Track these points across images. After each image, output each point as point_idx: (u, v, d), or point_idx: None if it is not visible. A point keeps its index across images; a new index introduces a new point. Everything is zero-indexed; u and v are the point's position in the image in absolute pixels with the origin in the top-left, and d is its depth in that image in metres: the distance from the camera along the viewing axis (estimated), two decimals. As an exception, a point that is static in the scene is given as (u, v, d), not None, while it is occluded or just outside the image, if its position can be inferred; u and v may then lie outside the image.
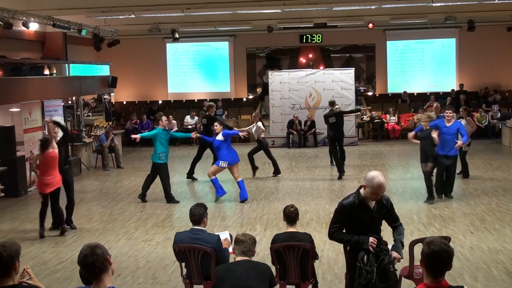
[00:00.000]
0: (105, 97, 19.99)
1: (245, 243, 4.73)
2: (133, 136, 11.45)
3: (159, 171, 11.02)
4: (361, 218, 4.88)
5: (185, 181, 13.43)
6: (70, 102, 17.04)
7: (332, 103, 13.67)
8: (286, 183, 12.84)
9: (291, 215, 5.76)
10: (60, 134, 9.74)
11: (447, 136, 10.27)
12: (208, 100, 21.73)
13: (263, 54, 25.61)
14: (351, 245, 5.04)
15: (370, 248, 4.82)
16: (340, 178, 12.91)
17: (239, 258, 4.71)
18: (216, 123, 11.27)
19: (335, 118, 13.15)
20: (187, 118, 20.81)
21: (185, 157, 17.13)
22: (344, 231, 5.03)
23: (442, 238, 3.46)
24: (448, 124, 10.33)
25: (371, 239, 4.83)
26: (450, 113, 10.43)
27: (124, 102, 24.08)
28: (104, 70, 21.69)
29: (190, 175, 13.48)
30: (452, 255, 3.34)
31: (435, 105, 14.78)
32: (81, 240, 8.89)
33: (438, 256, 3.30)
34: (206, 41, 23.75)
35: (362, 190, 4.87)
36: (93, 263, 3.30)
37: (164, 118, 11.17)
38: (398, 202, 10.59)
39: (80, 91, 16.78)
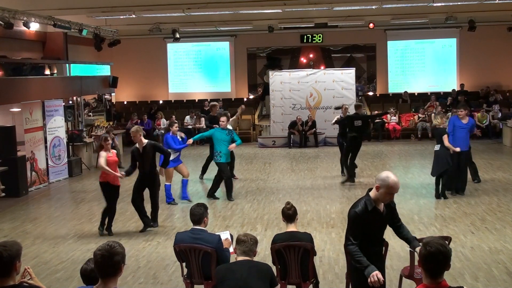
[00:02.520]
0: (105, 97, 20.01)
1: (246, 243, 4.72)
2: (189, 141, 11.10)
3: (222, 170, 11.08)
4: (373, 224, 4.76)
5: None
6: (70, 102, 17.05)
7: (357, 107, 13.07)
8: (287, 183, 12.84)
9: (288, 213, 5.75)
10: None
11: (461, 132, 10.77)
12: (209, 100, 21.78)
13: (263, 54, 25.62)
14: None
15: (370, 280, 4.46)
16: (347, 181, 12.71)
17: (240, 258, 4.71)
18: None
19: (361, 121, 12.77)
20: (187, 118, 20.80)
21: (185, 157, 17.11)
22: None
23: (440, 239, 3.45)
24: (464, 122, 10.86)
25: (375, 274, 4.44)
26: (461, 111, 10.95)
27: (125, 102, 24.09)
28: (104, 70, 21.69)
29: (202, 175, 13.44)
30: (449, 256, 3.34)
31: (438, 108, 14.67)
32: (82, 240, 8.90)
33: (434, 257, 3.30)
34: (206, 41, 23.74)
35: (373, 193, 4.73)
36: (107, 267, 3.33)
37: (223, 118, 11.02)
38: (399, 203, 10.53)
39: (80, 91, 16.78)
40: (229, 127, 11.89)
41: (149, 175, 9.18)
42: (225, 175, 11.11)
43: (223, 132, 10.94)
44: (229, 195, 11.20)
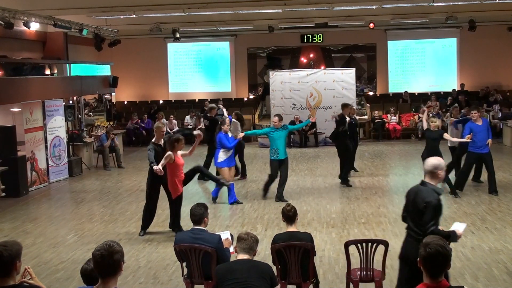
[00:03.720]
0: (106, 96, 20.00)
1: (247, 241, 4.73)
2: (240, 135, 11.15)
3: (270, 167, 11.04)
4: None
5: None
6: (71, 102, 17.05)
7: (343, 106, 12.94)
8: (287, 183, 12.80)
9: (288, 214, 5.76)
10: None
11: (480, 134, 10.75)
12: (209, 101, 21.79)
13: (264, 54, 25.58)
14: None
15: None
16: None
17: (240, 256, 4.72)
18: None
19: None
20: (187, 118, 20.81)
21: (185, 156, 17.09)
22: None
23: (440, 239, 3.46)
24: (479, 124, 10.82)
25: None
26: (475, 113, 10.91)
27: (125, 102, 24.09)
28: (105, 70, 21.70)
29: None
30: (448, 256, 3.35)
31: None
32: (82, 240, 8.90)
33: (433, 259, 3.32)
34: (207, 41, 23.74)
35: (432, 181, 5.01)
36: (107, 266, 3.33)
37: (275, 118, 10.96)
38: (399, 202, 10.57)
39: (81, 91, 16.78)
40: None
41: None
42: (271, 173, 11.05)
43: (278, 130, 10.88)
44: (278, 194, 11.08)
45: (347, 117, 12.60)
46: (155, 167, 8.44)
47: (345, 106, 12.81)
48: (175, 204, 8.77)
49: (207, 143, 13.30)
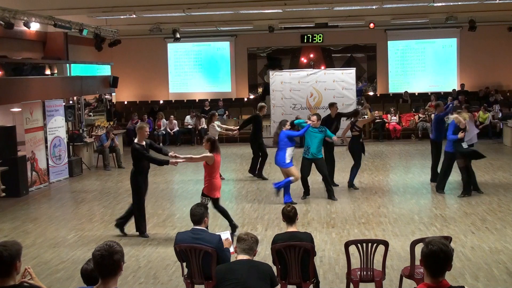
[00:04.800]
0: (106, 97, 19.99)
1: (247, 241, 4.73)
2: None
3: (301, 165, 11.12)
4: None
5: (186, 180, 13.44)
6: (71, 102, 17.05)
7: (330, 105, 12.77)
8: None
9: (289, 215, 5.76)
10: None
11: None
12: (209, 101, 21.77)
13: (264, 54, 25.59)
14: None
15: None
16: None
17: (240, 257, 4.71)
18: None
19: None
20: (187, 118, 20.80)
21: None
22: None
23: (442, 238, 3.47)
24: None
25: None
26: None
27: (125, 102, 24.09)
28: (105, 70, 21.68)
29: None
30: (451, 255, 3.35)
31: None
32: (82, 240, 8.91)
33: (436, 256, 3.32)
34: (207, 41, 23.73)
35: None
36: (107, 266, 3.33)
37: (313, 117, 10.89)
38: (399, 202, 10.60)
39: (81, 91, 16.77)
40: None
41: (147, 174, 9.02)
42: (301, 172, 11.07)
43: (315, 130, 10.86)
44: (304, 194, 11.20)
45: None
46: (172, 160, 8.40)
47: (331, 105, 12.60)
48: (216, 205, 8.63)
49: (250, 142, 13.82)
